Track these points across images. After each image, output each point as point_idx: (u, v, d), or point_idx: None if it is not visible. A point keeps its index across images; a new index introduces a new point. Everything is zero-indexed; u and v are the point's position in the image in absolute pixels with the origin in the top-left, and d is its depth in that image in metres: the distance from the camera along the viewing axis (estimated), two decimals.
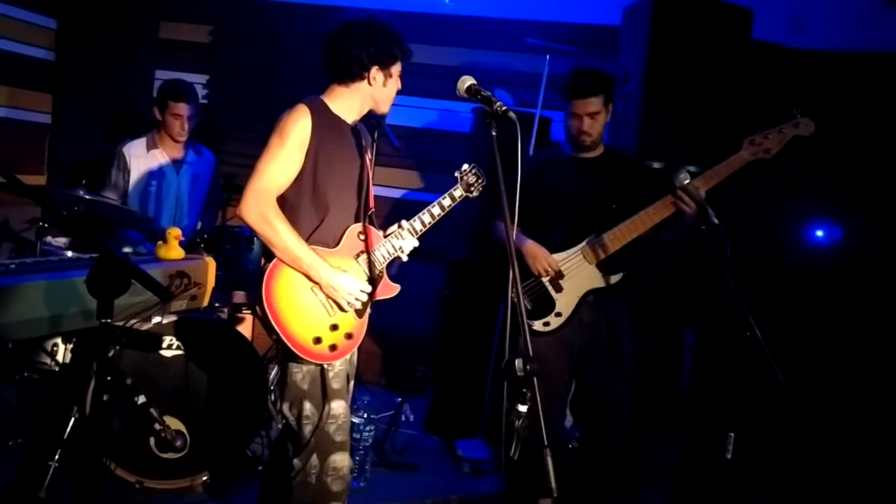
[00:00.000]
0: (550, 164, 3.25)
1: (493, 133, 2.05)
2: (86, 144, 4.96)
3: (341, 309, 2.47)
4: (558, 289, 3.08)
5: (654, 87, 3.73)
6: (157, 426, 2.88)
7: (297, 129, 2.41)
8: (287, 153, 2.41)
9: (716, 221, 2.51)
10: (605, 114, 3.11)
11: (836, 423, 3.61)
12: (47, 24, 4.95)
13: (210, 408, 3.15)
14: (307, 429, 2.43)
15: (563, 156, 3.24)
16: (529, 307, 3.08)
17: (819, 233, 3.86)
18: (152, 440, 2.96)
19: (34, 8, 4.83)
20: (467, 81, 2.20)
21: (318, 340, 2.40)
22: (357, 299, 2.47)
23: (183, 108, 3.81)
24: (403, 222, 2.64)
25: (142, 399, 2.75)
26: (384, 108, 2.63)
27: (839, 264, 3.82)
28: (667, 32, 3.72)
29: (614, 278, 3.04)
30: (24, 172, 4.89)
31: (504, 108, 2.09)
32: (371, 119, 2.79)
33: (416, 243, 2.65)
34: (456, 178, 2.73)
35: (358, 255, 2.55)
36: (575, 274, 3.06)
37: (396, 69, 2.58)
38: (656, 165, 3.47)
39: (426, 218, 2.65)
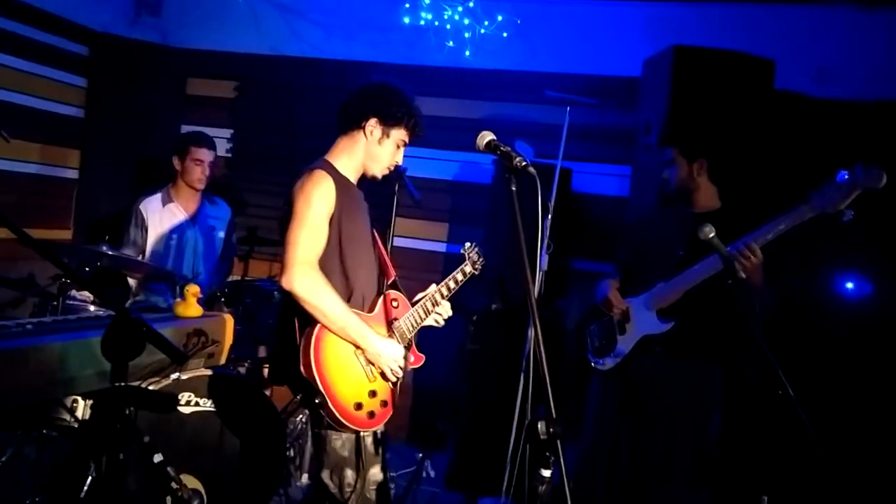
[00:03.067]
0: (659, 217, 3.34)
1: (513, 188, 2.03)
2: (112, 199, 5.03)
3: (382, 375, 2.46)
4: (622, 331, 3.12)
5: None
6: (173, 485, 2.85)
7: (322, 196, 2.38)
8: (318, 220, 2.37)
9: (743, 276, 2.45)
10: (684, 165, 3.11)
11: (869, 482, 3.48)
12: (77, 83, 5.07)
13: (228, 465, 3.10)
14: (351, 497, 2.41)
15: (676, 210, 3.21)
16: (597, 345, 3.21)
17: (849, 285, 3.78)
18: (169, 499, 2.91)
19: (65, 67, 4.96)
20: (486, 137, 2.20)
21: (358, 406, 2.38)
22: (400, 367, 2.47)
23: (205, 154, 3.86)
24: (430, 291, 2.69)
25: (158, 458, 2.72)
26: (375, 169, 2.56)
27: (869, 317, 3.72)
28: (687, 83, 3.70)
29: (665, 326, 2.99)
30: (52, 226, 4.96)
31: (524, 163, 2.07)
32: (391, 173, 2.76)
33: (449, 307, 2.69)
34: (462, 254, 2.81)
35: (390, 323, 2.55)
36: (637, 318, 3.08)
37: (398, 134, 2.54)
38: None
39: (444, 290, 2.71)
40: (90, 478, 2.78)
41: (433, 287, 2.71)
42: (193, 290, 2.63)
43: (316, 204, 2.36)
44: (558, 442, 1.75)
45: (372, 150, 2.53)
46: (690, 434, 3.06)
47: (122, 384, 1.51)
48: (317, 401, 2.29)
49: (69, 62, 4.97)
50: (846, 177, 2.56)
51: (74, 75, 5.03)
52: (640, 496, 3.10)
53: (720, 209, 3.13)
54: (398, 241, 4.37)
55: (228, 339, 2.68)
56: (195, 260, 3.92)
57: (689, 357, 3.04)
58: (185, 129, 5.42)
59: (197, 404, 3.02)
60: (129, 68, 5.13)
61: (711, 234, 2.64)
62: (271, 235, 4.85)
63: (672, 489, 3.06)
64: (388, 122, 2.51)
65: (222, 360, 2.69)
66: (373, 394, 2.43)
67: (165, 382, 2.94)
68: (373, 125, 2.51)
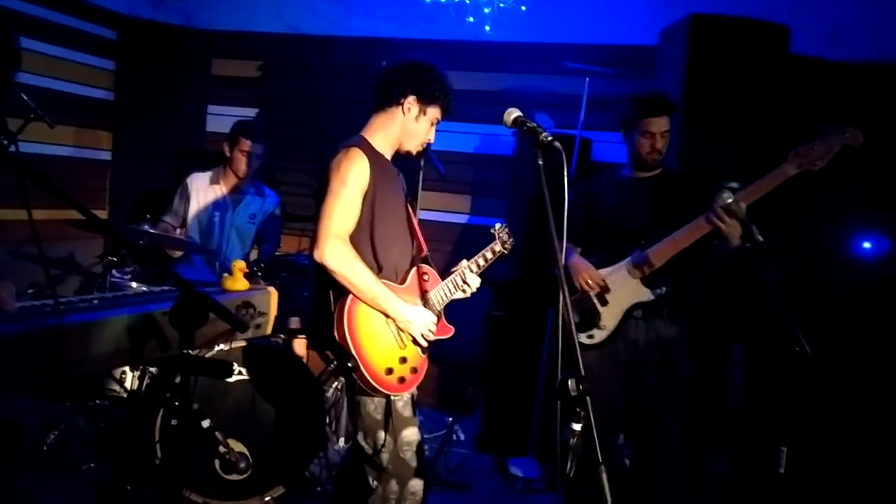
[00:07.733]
0: (603, 186, 3.33)
1: (540, 162, 2.07)
2: (144, 178, 5.17)
3: (414, 342, 2.57)
4: (603, 302, 3.16)
5: (692, 106, 3.75)
6: (221, 449, 3.02)
7: (357, 174, 2.45)
8: (351, 196, 2.45)
9: (760, 239, 2.50)
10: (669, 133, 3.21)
11: (887, 438, 3.56)
12: (107, 66, 5.20)
13: (271, 430, 3.27)
14: (385, 457, 2.51)
15: (618, 177, 3.32)
16: (577, 320, 3.18)
17: (866, 244, 3.83)
18: (217, 462, 3.09)
19: (94, 52, 5.08)
20: (513, 113, 2.24)
21: (389, 371, 2.48)
22: (430, 331, 2.57)
23: (249, 146, 3.97)
24: (461, 266, 2.75)
25: (207, 423, 2.89)
26: (411, 144, 2.63)
27: (887, 276, 3.77)
28: (704, 51, 3.76)
29: (657, 293, 3.09)
30: (88, 208, 5.07)
31: (550, 138, 2.12)
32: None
33: (479, 281, 2.76)
34: (492, 234, 2.86)
35: (421, 295, 2.65)
36: (620, 288, 3.13)
37: (433, 112, 2.60)
38: None
39: (473, 267, 2.76)
40: (145, 443, 2.97)
41: (464, 262, 2.77)
42: (240, 265, 2.75)
43: (350, 181, 2.44)
44: (588, 398, 1.85)
45: (409, 127, 2.59)
46: (679, 389, 3.16)
47: (189, 351, 1.66)
48: (349, 365, 2.40)
49: (99, 46, 5.08)
50: (824, 136, 2.79)
51: (104, 59, 5.15)
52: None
53: (660, 173, 3.24)
54: (422, 215, 4.49)
55: (273, 310, 2.81)
56: (228, 243, 4.04)
57: (665, 317, 3.14)
58: (212, 108, 5.56)
59: (241, 373, 3.19)
60: (157, 51, 5.24)
61: (730, 200, 2.74)
62: (299, 211, 5.00)
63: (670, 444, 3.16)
64: (425, 100, 2.57)
65: (268, 331, 2.82)
66: (403, 360, 2.53)
67: (211, 353, 3.11)
68: (411, 102, 2.56)
